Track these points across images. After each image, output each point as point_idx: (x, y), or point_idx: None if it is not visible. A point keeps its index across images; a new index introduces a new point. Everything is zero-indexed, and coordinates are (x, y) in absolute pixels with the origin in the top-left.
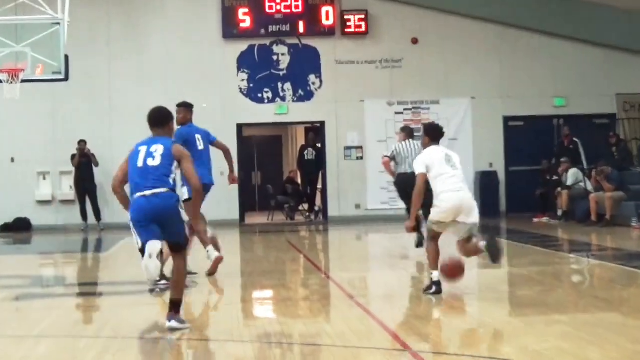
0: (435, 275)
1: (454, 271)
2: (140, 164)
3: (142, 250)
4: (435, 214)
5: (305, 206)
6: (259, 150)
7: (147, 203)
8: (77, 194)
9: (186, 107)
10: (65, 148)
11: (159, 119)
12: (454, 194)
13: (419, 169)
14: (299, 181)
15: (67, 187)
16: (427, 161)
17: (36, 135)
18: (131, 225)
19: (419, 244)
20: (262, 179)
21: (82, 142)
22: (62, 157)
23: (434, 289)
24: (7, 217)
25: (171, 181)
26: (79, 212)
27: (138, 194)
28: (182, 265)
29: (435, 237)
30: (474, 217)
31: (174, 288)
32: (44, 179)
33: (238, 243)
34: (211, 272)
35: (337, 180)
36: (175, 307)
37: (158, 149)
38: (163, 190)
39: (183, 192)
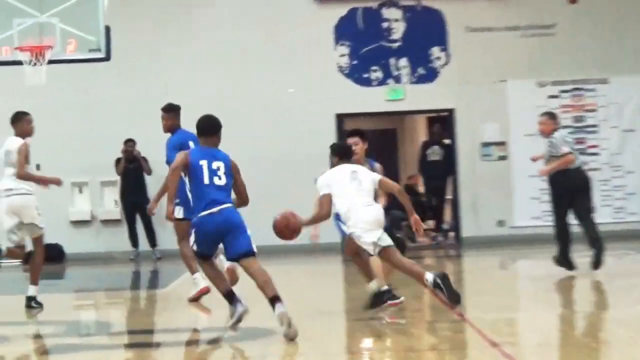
0: (374, 284)
1: (283, 228)
2: (207, 181)
3: (198, 254)
4: (357, 229)
5: (431, 223)
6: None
7: (219, 216)
8: (124, 211)
9: (176, 112)
10: (107, 150)
11: (212, 127)
12: (366, 208)
13: (323, 189)
14: (421, 190)
15: (110, 203)
16: (329, 180)
17: (68, 134)
18: (192, 231)
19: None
20: None
21: (129, 142)
22: (103, 163)
23: (385, 298)
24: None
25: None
26: (127, 236)
27: (205, 212)
28: (257, 266)
29: (357, 252)
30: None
31: (266, 288)
32: (80, 192)
33: (340, 273)
34: (193, 299)
35: (473, 189)
36: (277, 299)
37: (220, 167)
38: (228, 205)
39: (178, 210)
